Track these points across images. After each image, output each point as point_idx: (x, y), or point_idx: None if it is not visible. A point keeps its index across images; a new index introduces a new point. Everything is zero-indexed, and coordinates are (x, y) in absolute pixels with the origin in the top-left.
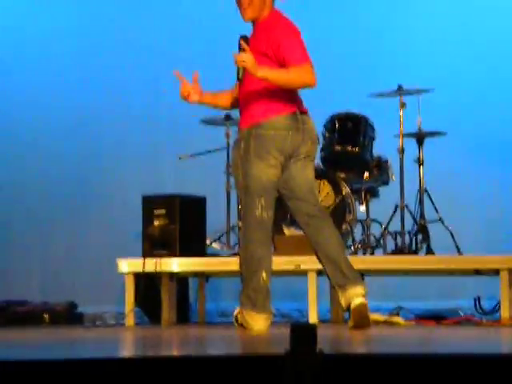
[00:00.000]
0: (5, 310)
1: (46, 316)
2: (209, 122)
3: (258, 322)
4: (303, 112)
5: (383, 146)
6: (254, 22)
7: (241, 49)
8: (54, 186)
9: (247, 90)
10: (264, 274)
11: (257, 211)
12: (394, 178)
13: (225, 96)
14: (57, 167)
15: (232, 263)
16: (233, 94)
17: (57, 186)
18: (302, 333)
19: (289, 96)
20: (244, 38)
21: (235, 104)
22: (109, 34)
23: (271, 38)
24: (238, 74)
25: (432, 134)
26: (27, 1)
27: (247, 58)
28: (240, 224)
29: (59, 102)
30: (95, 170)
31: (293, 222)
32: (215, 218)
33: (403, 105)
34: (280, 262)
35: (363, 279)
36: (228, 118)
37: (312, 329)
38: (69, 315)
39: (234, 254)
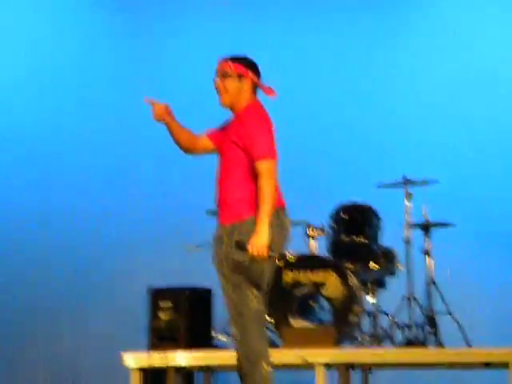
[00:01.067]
0: None
1: None
2: (215, 213)
3: None
4: (282, 207)
5: (390, 236)
6: (232, 109)
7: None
8: (58, 275)
9: (227, 184)
10: (266, 366)
11: (251, 303)
12: (402, 268)
13: (187, 136)
14: (61, 257)
15: None
16: (194, 140)
17: (62, 275)
18: None
19: None
20: (239, 243)
21: (190, 150)
22: (111, 139)
23: (242, 129)
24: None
25: (439, 224)
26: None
27: (258, 251)
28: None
29: (64, 193)
30: (100, 260)
31: (300, 314)
32: (221, 309)
33: (409, 195)
34: (287, 355)
35: (371, 372)
36: None
37: None
38: None
39: None
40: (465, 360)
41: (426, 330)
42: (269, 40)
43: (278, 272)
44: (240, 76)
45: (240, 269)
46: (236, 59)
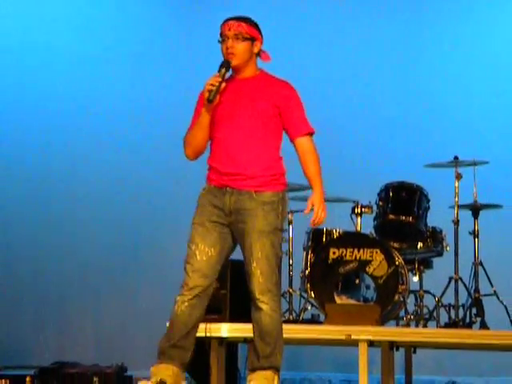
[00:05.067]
0: (57, 371)
1: (95, 379)
2: None
3: None
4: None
5: (438, 217)
6: (237, 72)
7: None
8: (109, 247)
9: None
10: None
11: None
12: (449, 249)
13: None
14: (111, 233)
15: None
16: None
17: (112, 248)
18: None
19: None
20: None
21: (200, 152)
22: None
23: (286, 97)
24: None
25: (488, 206)
26: None
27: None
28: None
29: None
30: (150, 235)
31: (344, 291)
32: None
33: (459, 176)
34: (330, 331)
35: (415, 352)
36: None
37: None
38: (118, 378)
39: (286, 321)
40: (509, 342)
41: (472, 312)
42: None
43: (324, 248)
44: (253, 39)
45: None
46: (248, 21)
